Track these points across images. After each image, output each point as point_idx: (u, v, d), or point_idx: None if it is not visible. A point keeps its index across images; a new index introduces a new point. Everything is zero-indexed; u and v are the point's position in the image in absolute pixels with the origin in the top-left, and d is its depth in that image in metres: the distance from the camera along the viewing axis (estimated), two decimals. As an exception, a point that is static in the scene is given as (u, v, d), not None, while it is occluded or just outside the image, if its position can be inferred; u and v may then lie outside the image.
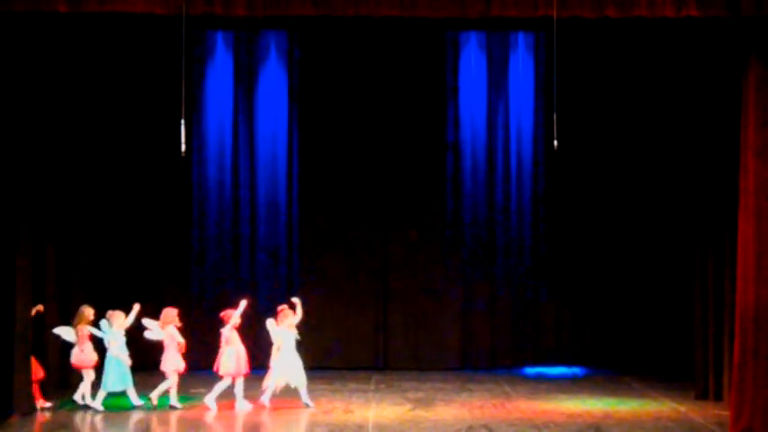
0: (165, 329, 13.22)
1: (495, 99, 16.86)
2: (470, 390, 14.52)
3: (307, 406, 13.08)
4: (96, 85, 15.35)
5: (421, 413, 12.88)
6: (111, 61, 15.50)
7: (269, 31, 16.52)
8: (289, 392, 13.25)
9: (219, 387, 13.12)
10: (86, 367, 13.28)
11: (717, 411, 12.67)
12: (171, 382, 13.15)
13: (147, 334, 13.25)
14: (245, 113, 16.82)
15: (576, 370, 16.30)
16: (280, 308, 13.26)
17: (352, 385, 14.75)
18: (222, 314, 13.30)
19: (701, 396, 13.56)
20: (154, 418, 12.75)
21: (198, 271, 16.63)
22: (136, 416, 12.89)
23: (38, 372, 13.06)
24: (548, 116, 16.36)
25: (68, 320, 13.54)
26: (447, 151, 16.80)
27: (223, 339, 13.19)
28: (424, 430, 11.99)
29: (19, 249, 12.50)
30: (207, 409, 13.01)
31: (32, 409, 12.74)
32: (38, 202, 13.24)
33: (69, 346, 13.34)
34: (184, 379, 13.47)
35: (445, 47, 16.71)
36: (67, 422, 12.51)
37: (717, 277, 13.25)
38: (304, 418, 12.67)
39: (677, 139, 14.95)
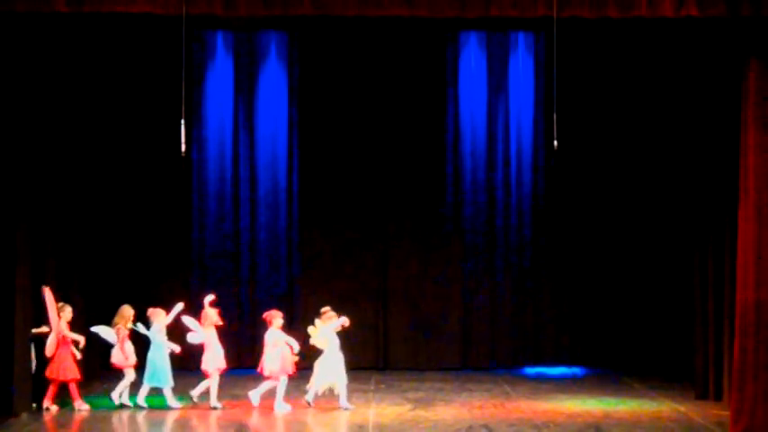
0: (206, 329, 13.25)
1: (495, 99, 16.86)
2: (470, 390, 14.52)
3: (345, 409, 13.02)
4: (96, 85, 15.37)
5: (421, 413, 12.88)
6: (112, 61, 15.52)
7: (269, 31, 16.52)
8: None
9: (265, 386, 13.13)
10: (126, 367, 13.31)
11: (717, 411, 12.66)
12: (211, 382, 13.17)
13: (189, 336, 13.28)
14: (245, 114, 16.82)
15: (575, 370, 16.30)
16: (323, 309, 13.24)
17: (352, 385, 14.72)
18: (265, 315, 13.31)
19: (701, 396, 13.56)
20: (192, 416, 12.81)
21: (198, 271, 16.63)
22: (172, 415, 12.92)
23: (75, 372, 13.08)
24: (548, 116, 16.36)
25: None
26: (447, 151, 16.81)
27: (267, 341, 13.18)
28: (424, 430, 11.99)
29: (19, 248, 12.49)
30: (243, 407, 13.02)
31: (32, 409, 12.74)
32: (37, 202, 13.22)
33: (110, 346, 13.37)
34: (180, 379, 13.51)
35: (445, 47, 16.71)
36: (68, 422, 12.52)
37: (717, 277, 13.24)
38: (304, 418, 12.67)
39: (677, 140, 14.95)
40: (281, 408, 12.93)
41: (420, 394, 14.07)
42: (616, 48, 15.61)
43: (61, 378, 12.98)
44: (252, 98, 16.79)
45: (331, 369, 13.02)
